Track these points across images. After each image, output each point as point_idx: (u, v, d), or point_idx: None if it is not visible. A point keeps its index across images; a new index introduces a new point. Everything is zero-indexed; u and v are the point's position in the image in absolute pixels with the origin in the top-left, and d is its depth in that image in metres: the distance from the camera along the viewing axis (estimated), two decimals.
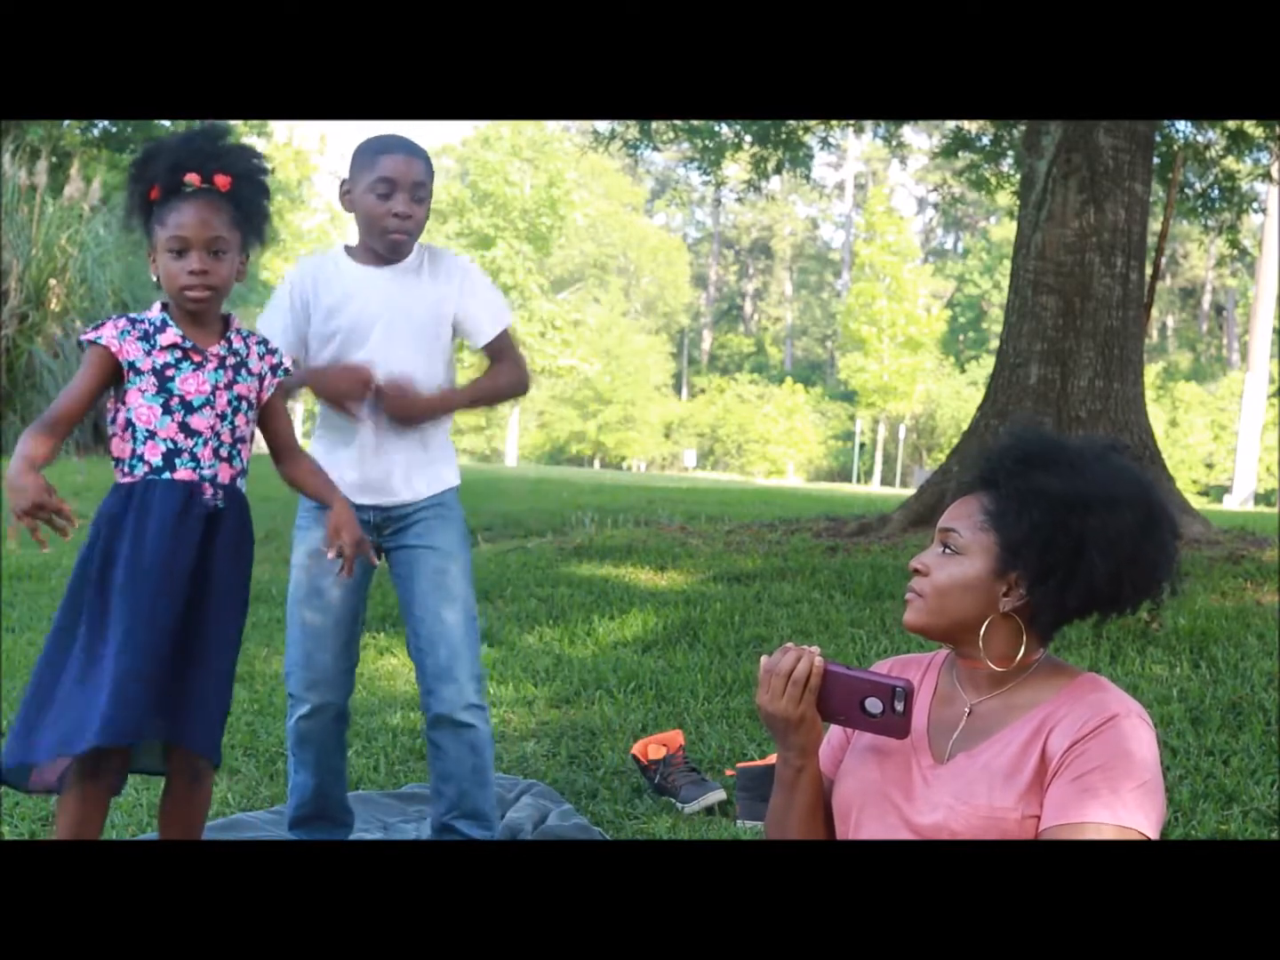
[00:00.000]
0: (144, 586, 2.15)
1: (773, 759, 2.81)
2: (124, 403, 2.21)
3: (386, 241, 2.65)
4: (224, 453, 2.24)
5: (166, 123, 18.42)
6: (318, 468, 2.46)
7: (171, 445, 2.19)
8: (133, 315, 2.26)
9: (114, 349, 2.19)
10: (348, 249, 2.74)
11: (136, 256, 11.75)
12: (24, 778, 2.23)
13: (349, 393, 2.63)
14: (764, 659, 1.67)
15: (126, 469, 2.21)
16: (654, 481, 18.85)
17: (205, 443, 2.21)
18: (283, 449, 2.41)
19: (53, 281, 12.04)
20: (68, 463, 11.07)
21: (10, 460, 2.07)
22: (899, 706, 1.59)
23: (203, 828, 2.35)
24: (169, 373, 2.20)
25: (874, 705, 1.61)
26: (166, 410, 2.19)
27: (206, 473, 2.21)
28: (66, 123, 17.03)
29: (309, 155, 35.34)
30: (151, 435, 2.19)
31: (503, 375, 2.81)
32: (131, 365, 2.19)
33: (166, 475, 2.19)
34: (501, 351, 2.80)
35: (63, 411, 2.18)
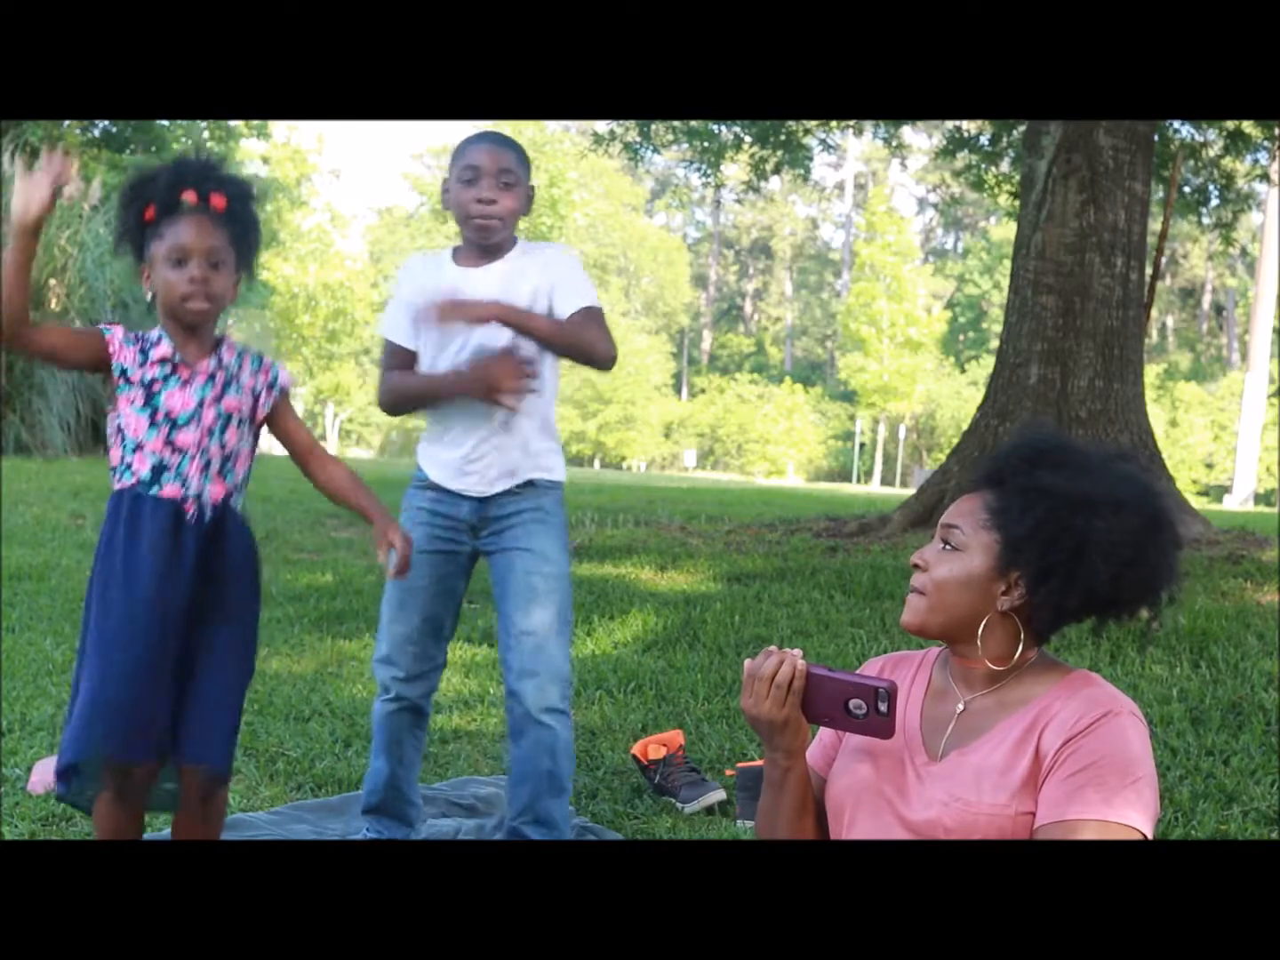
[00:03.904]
0: (130, 612, 2.15)
1: None
2: (115, 408, 2.21)
3: (473, 227, 2.63)
4: (215, 469, 2.23)
5: (165, 122, 18.40)
6: (349, 473, 2.38)
7: (158, 460, 2.19)
8: (137, 333, 2.25)
9: (112, 346, 2.19)
10: (454, 252, 2.72)
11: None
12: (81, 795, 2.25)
13: (506, 381, 2.56)
14: (747, 663, 1.67)
15: (118, 476, 2.22)
16: (654, 481, 18.86)
17: (191, 459, 2.20)
18: (303, 452, 2.36)
19: (53, 281, 12.04)
20: (67, 462, 11.08)
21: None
22: (882, 707, 1.60)
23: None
24: (155, 387, 2.20)
25: (858, 706, 1.61)
26: (153, 424, 2.19)
27: (192, 490, 2.20)
28: (66, 123, 17.02)
29: (307, 155, 35.39)
30: (139, 447, 2.19)
31: (589, 331, 2.64)
32: (124, 372, 2.19)
33: (154, 490, 2.18)
34: (590, 323, 2.66)
35: (50, 332, 2.20)
